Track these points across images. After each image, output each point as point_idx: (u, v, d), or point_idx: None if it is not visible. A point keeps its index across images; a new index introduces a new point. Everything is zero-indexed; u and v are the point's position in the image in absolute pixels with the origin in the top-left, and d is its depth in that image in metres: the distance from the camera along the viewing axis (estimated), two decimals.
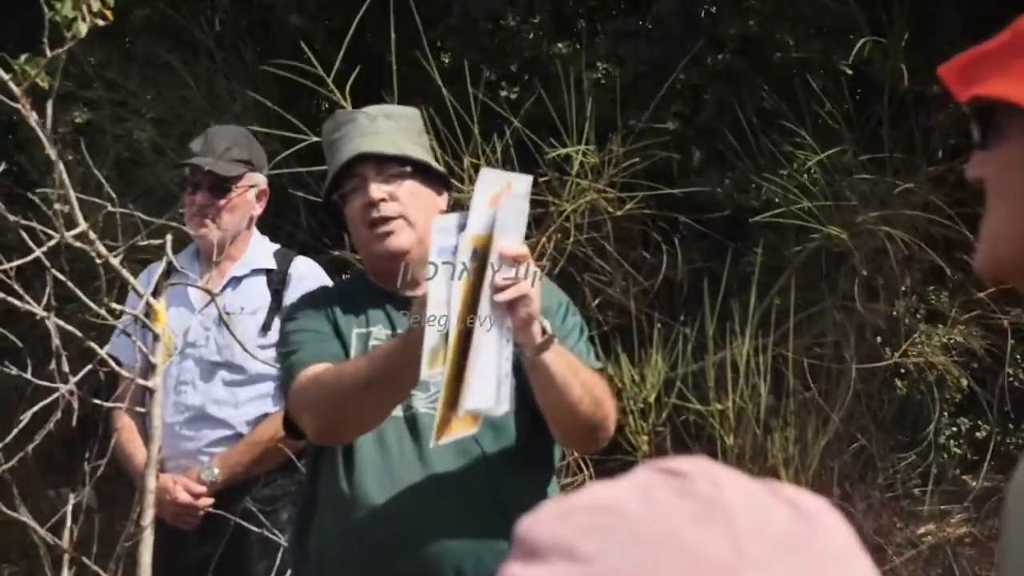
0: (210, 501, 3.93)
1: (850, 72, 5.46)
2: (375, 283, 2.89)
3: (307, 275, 4.06)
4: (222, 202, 4.01)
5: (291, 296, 3.97)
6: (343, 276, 5.57)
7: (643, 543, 0.85)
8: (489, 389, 2.30)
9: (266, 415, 3.96)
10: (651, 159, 5.22)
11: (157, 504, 3.87)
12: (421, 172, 2.82)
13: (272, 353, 3.89)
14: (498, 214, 2.31)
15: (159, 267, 4.09)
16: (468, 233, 2.31)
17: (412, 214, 2.78)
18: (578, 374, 2.56)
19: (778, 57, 5.64)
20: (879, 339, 5.70)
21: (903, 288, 5.65)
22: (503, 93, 5.47)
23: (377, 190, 2.76)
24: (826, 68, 5.62)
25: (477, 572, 2.65)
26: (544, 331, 2.44)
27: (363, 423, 2.66)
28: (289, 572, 3.61)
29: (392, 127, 2.82)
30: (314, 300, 2.95)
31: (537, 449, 2.76)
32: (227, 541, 3.88)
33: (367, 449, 2.70)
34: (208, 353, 3.98)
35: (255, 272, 4.09)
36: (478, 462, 2.67)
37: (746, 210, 5.49)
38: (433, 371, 2.34)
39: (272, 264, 4.10)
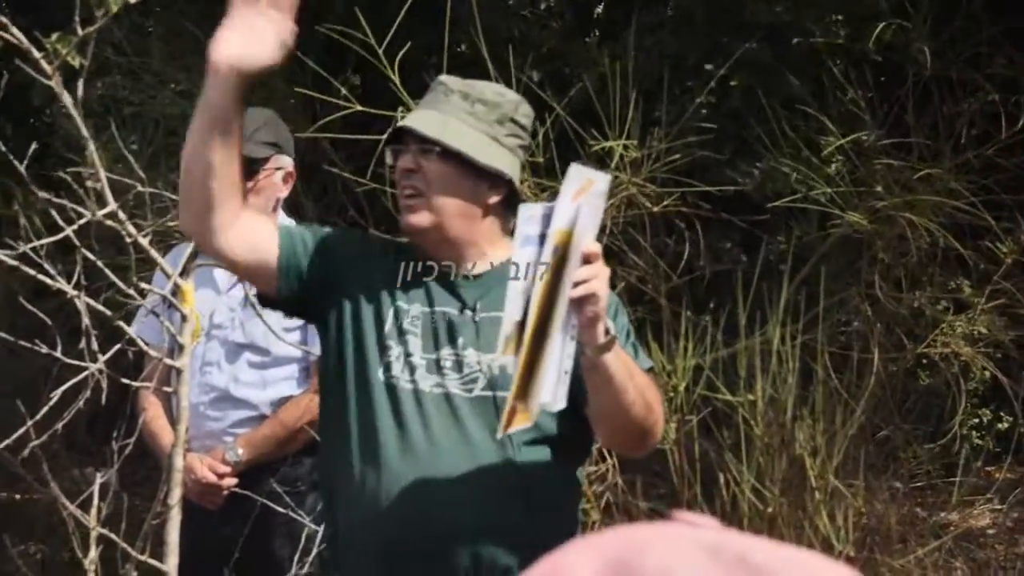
0: (234, 481, 3.95)
1: (878, 59, 5.43)
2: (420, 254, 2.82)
3: None
4: (249, 184, 4.02)
5: None
6: None
7: None
8: (550, 384, 2.31)
9: (290, 397, 3.98)
10: (691, 155, 5.20)
11: (182, 483, 3.90)
12: (462, 160, 2.73)
13: (297, 336, 3.91)
14: (580, 211, 2.31)
15: (186, 248, 4.11)
16: (554, 226, 2.32)
17: (436, 197, 2.73)
18: (634, 377, 2.54)
19: (802, 43, 5.62)
20: (903, 329, 5.68)
21: (924, 277, 5.63)
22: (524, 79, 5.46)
23: (407, 161, 2.74)
24: (850, 53, 5.60)
25: (493, 557, 2.63)
26: (607, 331, 2.43)
27: (201, 180, 2.58)
28: (314, 552, 3.62)
29: (461, 108, 2.75)
30: (363, 244, 2.93)
31: (572, 443, 2.74)
32: (252, 522, 3.89)
33: (393, 426, 2.67)
34: (233, 335, 3.99)
35: None
36: (507, 449, 2.65)
37: (769, 198, 5.47)
38: (505, 359, 2.35)
39: None
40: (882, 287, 5.44)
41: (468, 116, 2.76)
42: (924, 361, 5.80)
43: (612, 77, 5.03)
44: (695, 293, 5.34)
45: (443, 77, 2.85)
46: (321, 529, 3.03)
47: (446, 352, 2.70)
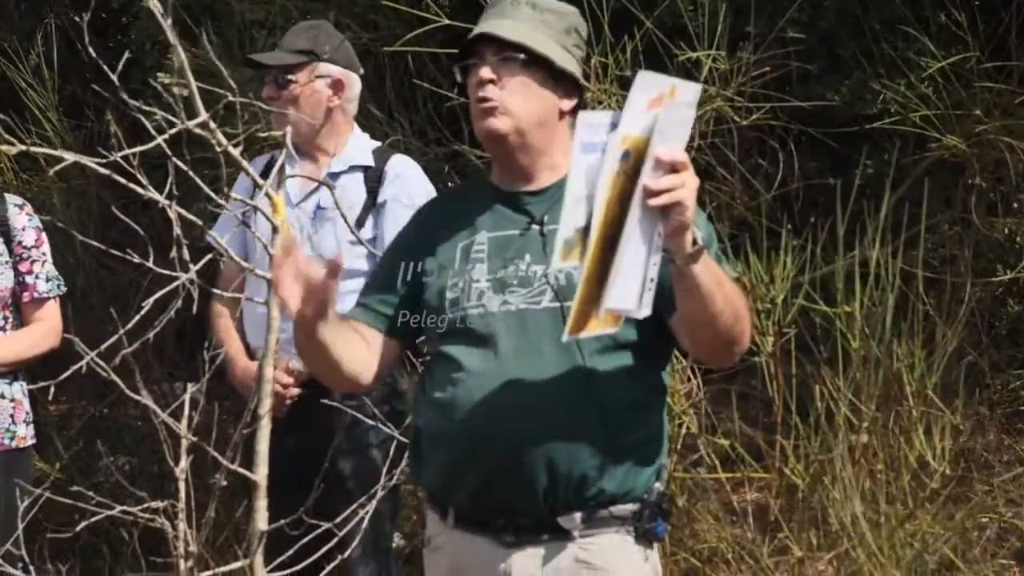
0: (297, 391, 3.98)
1: None
2: (492, 179, 2.88)
3: (403, 174, 4.09)
4: (284, 93, 4.05)
5: (385, 193, 4.00)
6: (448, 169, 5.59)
7: None
8: (633, 291, 2.29)
9: None
10: (781, 68, 5.13)
11: (248, 393, 3.94)
12: (541, 68, 2.76)
13: (364, 250, 3.91)
14: (659, 118, 2.26)
15: (261, 161, 4.13)
16: (621, 133, 2.28)
17: (515, 105, 2.74)
18: (722, 287, 2.51)
19: None
20: (994, 254, 5.61)
21: (1015, 204, 5.54)
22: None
23: (486, 71, 2.74)
24: None
25: (571, 468, 2.64)
26: (695, 241, 2.40)
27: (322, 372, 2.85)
28: (386, 466, 3.67)
29: (531, 16, 2.78)
30: (421, 222, 2.96)
31: (649, 350, 2.73)
32: (315, 433, 3.95)
33: (468, 349, 2.71)
34: (303, 248, 4.01)
35: (353, 169, 4.12)
36: (578, 358, 2.65)
37: (865, 119, 5.39)
38: (566, 264, 2.33)
39: (370, 161, 4.13)
40: (975, 211, 5.37)
41: (541, 25, 2.78)
42: (1014, 288, 5.73)
43: None
44: (789, 211, 5.29)
45: None
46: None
47: (512, 270, 2.73)
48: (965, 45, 5.26)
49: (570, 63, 2.79)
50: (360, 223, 4.00)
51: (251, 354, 4.15)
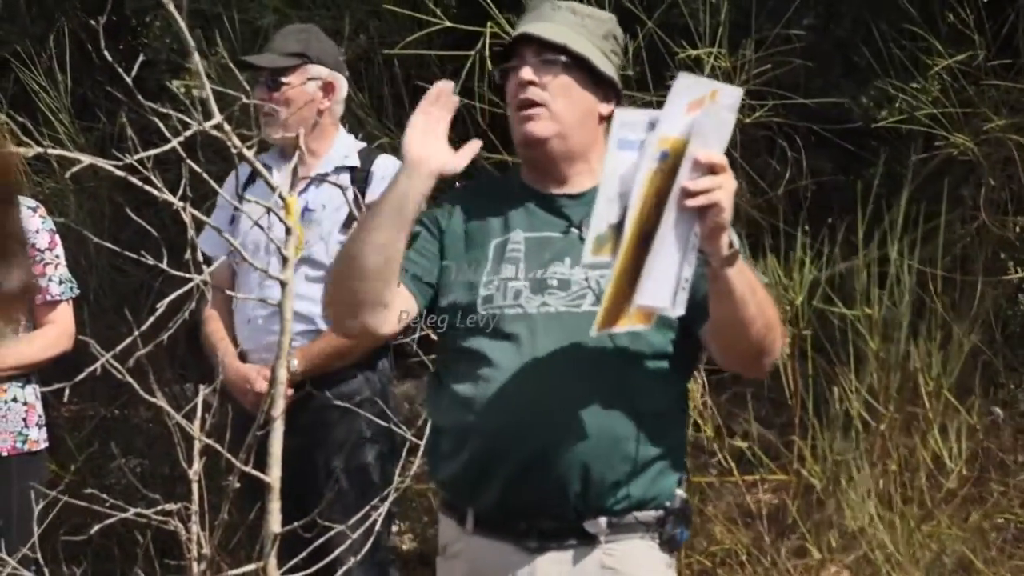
0: (290, 392, 4.00)
1: None
2: (524, 179, 2.88)
3: (389, 174, 4.09)
4: (276, 95, 4.06)
5: (372, 194, 4.02)
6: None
7: None
8: (667, 290, 2.32)
9: None
10: (784, 67, 5.12)
11: (240, 394, 3.96)
12: (583, 70, 2.77)
13: None
14: (697, 120, 2.28)
15: (247, 166, 4.14)
16: (660, 133, 2.29)
17: (558, 107, 2.75)
18: (756, 293, 2.52)
19: None
20: (1007, 254, 5.59)
21: None
22: None
23: (528, 72, 2.74)
24: None
25: (604, 473, 2.64)
26: (731, 244, 2.41)
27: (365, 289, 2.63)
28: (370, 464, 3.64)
29: (570, 21, 2.79)
30: (453, 208, 2.92)
31: (679, 365, 2.75)
32: (308, 435, 3.98)
33: (501, 347, 2.69)
34: None
35: (338, 170, 4.16)
36: (617, 364, 2.66)
37: (875, 120, 5.38)
38: (597, 259, 2.35)
39: (356, 162, 4.17)
40: (983, 209, 5.35)
41: (581, 29, 2.79)
42: None
43: None
44: (798, 211, 5.28)
45: None
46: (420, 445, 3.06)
47: (551, 271, 2.72)
48: (972, 43, 5.25)
49: (609, 68, 2.81)
50: (347, 224, 4.02)
51: (242, 357, 4.17)
